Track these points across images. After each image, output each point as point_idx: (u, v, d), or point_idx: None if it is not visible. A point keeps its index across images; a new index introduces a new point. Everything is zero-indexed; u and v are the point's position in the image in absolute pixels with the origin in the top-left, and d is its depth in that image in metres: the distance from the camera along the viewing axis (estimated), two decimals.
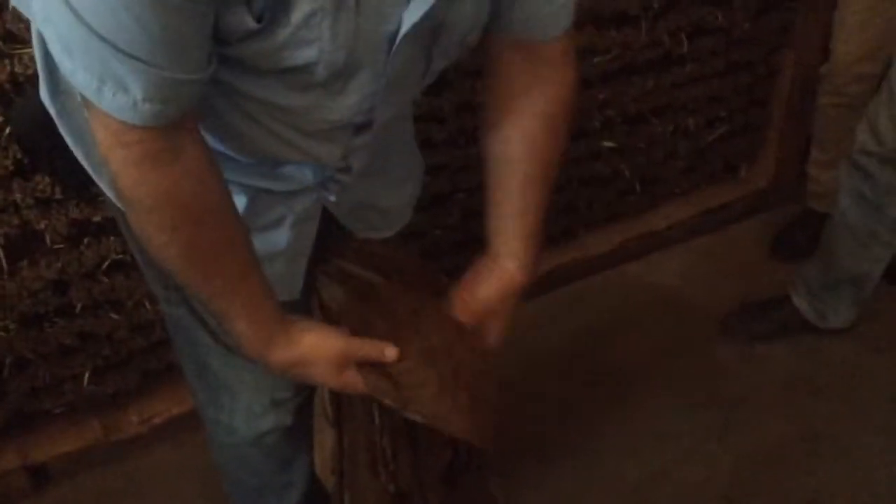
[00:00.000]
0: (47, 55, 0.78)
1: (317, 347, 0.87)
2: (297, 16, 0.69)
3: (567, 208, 2.10)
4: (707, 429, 1.77)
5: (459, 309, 1.00)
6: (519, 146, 0.93)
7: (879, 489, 1.64)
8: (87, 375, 1.58)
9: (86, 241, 1.45)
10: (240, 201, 0.90)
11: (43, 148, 0.92)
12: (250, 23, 0.68)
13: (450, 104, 1.74)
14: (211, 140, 0.85)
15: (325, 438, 1.09)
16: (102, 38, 0.64)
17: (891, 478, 1.66)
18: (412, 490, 1.14)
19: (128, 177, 0.73)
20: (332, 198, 0.97)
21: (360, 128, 0.87)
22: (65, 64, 0.68)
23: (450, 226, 1.91)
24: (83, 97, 0.70)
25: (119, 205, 0.76)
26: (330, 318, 0.96)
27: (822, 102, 2.10)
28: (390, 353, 0.90)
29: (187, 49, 0.67)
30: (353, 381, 0.90)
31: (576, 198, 2.10)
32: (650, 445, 1.73)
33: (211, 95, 0.79)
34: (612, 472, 1.68)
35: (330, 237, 1.01)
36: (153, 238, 0.77)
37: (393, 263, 1.04)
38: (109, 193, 0.89)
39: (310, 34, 0.71)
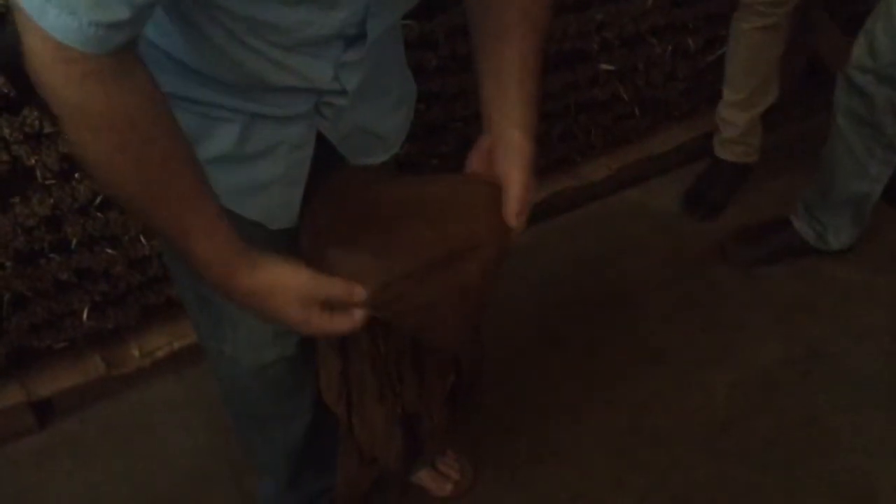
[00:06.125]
0: None
1: (283, 276, 0.81)
2: None
3: (564, 135, 2.07)
4: (705, 352, 1.79)
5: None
6: (516, 15, 0.93)
7: (877, 410, 1.66)
8: (86, 311, 1.58)
9: (77, 175, 1.43)
10: (234, 128, 0.89)
11: (28, 78, 0.90)
12: None
13: (442, 28, 1.69)
14: (199, 64, 0.83)
15: (330, 364, 1.08)
16: None
17: (889, 397, 1.68)
18: (419, 411, 1.15)
19: (70, 95, 0.67)
20: (328, 123, 0.95)
21: (351, 43, 0.85)
22: None
23: (445, 155, 1.88)
24: (21, 13, 0.65)
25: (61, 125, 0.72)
26: (316, 231, 0.92)
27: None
28: (358, 293, 0.83)
29: None
30: (318, 322, 0.83)
31: (573, 124, 2.07)
32: (647, 370, 1.75)
33: (196, 18, 0.76)
34: (607, 396, 1.70)
35: (326, 165, 0.99)
36: (100, 161, 0.72)
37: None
38: None
39: None
